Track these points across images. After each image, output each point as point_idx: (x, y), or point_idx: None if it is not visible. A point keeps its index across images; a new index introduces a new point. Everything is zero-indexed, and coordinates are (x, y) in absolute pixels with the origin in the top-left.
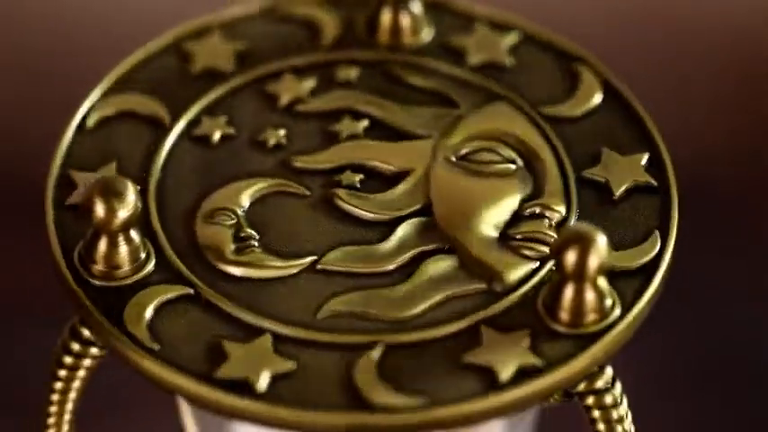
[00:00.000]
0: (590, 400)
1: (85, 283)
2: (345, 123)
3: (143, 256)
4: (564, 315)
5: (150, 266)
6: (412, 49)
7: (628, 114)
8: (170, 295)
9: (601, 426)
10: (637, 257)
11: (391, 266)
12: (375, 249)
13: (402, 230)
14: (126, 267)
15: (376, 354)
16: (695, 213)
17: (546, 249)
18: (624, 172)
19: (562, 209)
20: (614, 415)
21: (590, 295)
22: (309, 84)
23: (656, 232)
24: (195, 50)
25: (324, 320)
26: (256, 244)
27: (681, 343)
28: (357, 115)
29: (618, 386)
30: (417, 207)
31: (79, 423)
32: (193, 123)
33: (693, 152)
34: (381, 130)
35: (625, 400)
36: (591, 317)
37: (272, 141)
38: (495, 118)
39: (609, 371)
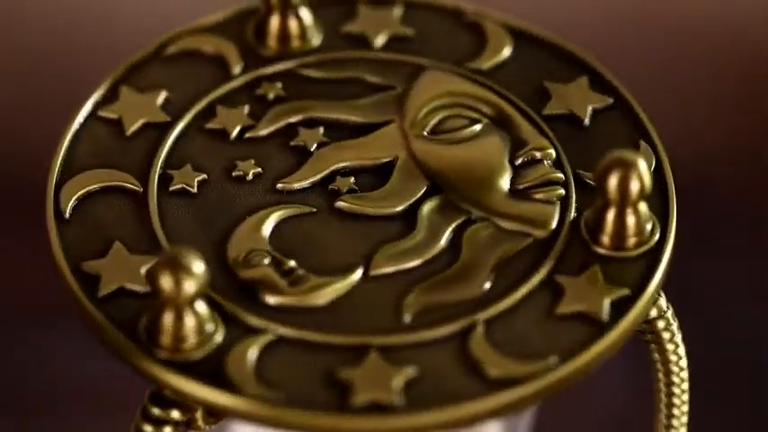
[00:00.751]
0: None
1: (172, 361)
2: (304, 134)
3: (211, 327)
4: (606, 239)
5: (221, 331)
6: (313, 48)
7: (545, 47)
8: (257, 346)
9: (648, 336)
10: None
11: (436, 251)
12: (412, 241)
13: (425, 216)
14: (193, 340)
15: (480, 332)
16: (695, 213)
17: (560, 189)
18: (579, 98)
19: (551, 149)
20: (660, 325)
21: (632, 219)
22: (244, 110)
23: (642, 142)
24: (119, 113)
25: (413, 320)
26: (303, 272)
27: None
28: (309, 124)
29: (663, 296)
30: (423, 189)
31: (79, 422)
32: (164, 180)
33: (693, 152)
34: (341, 131)
35: (671, 310)
36: (632, 240)
37: (249, 173)
38: (437, 86)
39: None
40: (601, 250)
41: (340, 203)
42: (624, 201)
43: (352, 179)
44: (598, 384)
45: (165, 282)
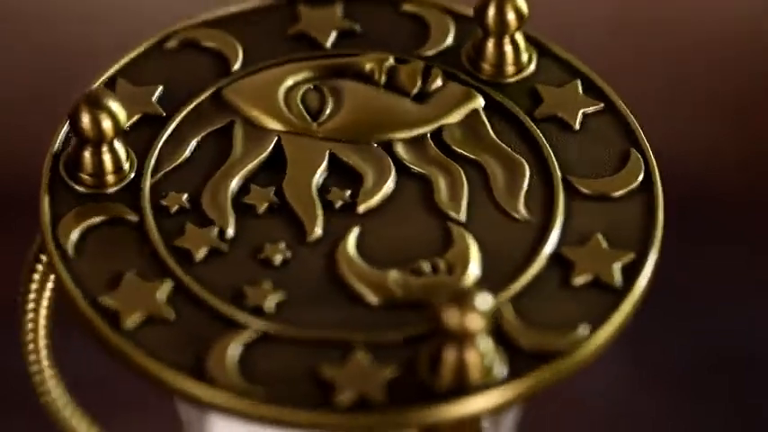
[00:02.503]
0: None
1: None
2: (254, 199)
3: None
4: (487, 68)
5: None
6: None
7: None
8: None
9: None
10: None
11: (460, 171)
12: (441, 181)
13: (412, 162)
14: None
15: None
16: (695, 214)
17: (436, 69)
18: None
19: (388, 55)
20: None
21: (509, 48)
22: (189, 224)
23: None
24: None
25: (539, 218)
26: (439, 260)
27: (680, 343)
28: (242, 191)
29: None
30: (381, 150)
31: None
32: (232, 325)
33: (693, 152)
34: (264, 174)
35: None
36: (511, 68)
37: (282, 250)
38: (250, 91)
39: None
40: (483, 77)
41: (364, 207)
42: (502, 31)
43: (336, 189)
44: (583, 384)
45: (452, 317)
